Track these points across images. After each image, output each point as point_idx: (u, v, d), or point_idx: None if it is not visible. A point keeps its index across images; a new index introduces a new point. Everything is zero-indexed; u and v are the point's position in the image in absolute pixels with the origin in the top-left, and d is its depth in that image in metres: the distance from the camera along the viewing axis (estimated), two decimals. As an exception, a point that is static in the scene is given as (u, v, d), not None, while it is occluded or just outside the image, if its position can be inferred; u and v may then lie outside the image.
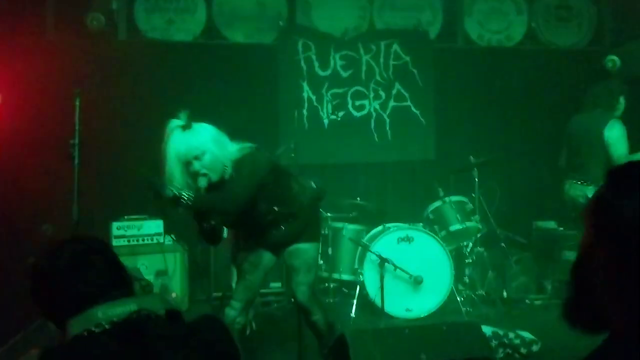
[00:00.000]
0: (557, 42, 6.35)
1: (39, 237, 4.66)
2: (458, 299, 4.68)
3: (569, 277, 0.99)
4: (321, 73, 5.80)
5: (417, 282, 4.51)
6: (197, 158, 2.86)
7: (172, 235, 4.85)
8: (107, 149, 5.08)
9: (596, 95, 4.50)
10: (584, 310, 0.96)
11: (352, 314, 4.56)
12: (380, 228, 4.85)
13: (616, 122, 4.31)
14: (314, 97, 5.78)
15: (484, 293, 4.96)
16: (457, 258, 4.94)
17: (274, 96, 5.71)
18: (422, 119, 5.94)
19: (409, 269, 4.49)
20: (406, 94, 5.93)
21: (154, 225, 4.86)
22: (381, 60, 5.90)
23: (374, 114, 5.88)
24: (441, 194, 4.94)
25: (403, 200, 5.75)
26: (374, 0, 6.02)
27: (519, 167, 5.95)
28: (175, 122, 2.89)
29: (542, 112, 6.01)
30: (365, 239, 4.83)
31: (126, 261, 1.46)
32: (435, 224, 4.92)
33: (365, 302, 4.59)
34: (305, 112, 5.74)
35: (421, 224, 4.96)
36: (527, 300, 5.01)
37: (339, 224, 5.07)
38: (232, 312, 3.16)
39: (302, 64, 5.76)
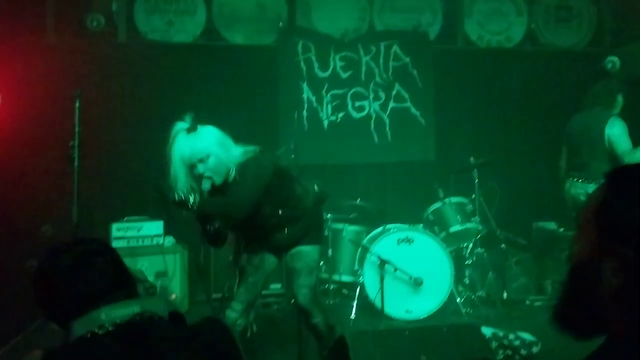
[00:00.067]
0: (557, 42, 6.35)
1: (39, 237, 4.67)
2: (458, 300, 4.67)
3: (566, 277, 0.99)
4: (321, 74, 5.80)
5: (417, 283, 4.51)
6: (201, 161, 2.85)
7: (172, 237, 4.85)
8: (107, 150, 5.09)
9: (595, 94, 4.51)
10: (580, 312, 0.96)
11: (352, 316, 4.55)
12: (380, 229, 4.84)
13: (616, 119, 4.33)
14: (313, 98, 5.77)
15: (484, 294, 4.95)
16: (457, 259, 4.93)
17: (274, 97, 5.70)
18: (422, 120, 5.94)
19: (409, 270, 4.49)
20: (406, 95, 5.93)
21: (154, 227, 4.86)
22: (381, 61, 5.90)
23: (373, 115, 5.88)
24: (441, 195, 4.93)
25: (403, 201, 5.74)
26: (373, 2, 6.02)
27: (519, 168, 5.94)
28: (180, 125, 2.88)
29: (542, 112, 6.01)
30: (365, 240, 4.83)
31: (126, 262, 1.46)
32: (436, 225, 4.92)
33: (365, 303, 4.58)
34: (305, 113, 5.74)
35: (421, 225, 4.95)
36: (527, 302, 5.00)
37: (339, 225, 5.08)
38: (233, 314, 3.16)
39: (302, 65, 5.76)
